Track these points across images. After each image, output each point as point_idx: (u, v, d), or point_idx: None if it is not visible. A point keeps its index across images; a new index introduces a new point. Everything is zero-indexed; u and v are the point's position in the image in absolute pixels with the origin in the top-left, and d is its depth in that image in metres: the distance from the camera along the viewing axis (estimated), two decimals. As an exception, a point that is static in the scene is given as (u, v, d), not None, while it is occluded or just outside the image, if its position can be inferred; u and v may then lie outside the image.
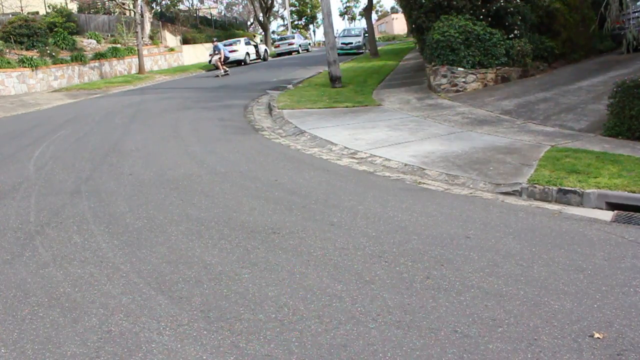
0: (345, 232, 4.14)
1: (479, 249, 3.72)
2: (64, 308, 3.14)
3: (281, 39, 38.90)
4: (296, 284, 3.30)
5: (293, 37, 38.42)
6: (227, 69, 21.10)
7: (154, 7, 32.30)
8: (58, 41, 21.67)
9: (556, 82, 10.71)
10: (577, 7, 12.76)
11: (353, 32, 31.53)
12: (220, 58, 21.05)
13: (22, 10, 24.41)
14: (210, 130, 9.15)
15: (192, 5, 40.03)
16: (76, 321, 2.98)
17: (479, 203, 4.83)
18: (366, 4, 24.49)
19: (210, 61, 22.91)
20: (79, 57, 21.66)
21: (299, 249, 3.85)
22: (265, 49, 31.00)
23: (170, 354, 2.63)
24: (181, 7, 36.54)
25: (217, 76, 20.19)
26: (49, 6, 25.07)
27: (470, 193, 5.16)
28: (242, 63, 26.69)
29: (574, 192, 4.82)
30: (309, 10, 63.35)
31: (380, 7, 74.15)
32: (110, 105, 14.06)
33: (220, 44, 22.17)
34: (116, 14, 28.80)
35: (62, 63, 20.82)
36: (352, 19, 71.47)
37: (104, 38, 25.69)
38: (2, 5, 25.33)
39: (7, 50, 19.56)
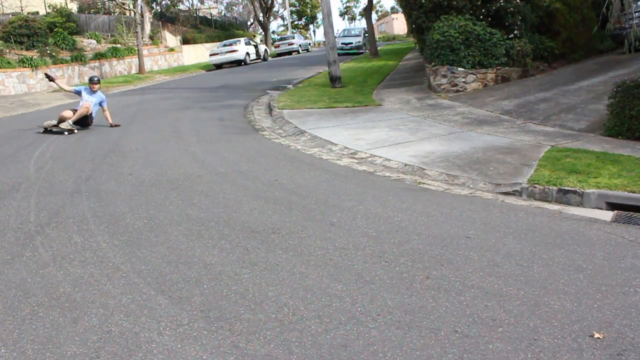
0: (345, 232, 4.14)
1: (479, 249, 3.72)
2: (64, 308, 3.13)
3: (281, 39, 38.90)
4: (296, 284, 3.30)
5: (293, 37, 38.41)
6: (76, 127, 9.61)
7: (154, 7, 32.33)
8: (58, 41, 21.66)
9: (556, 82, 10.71)
10: (577, 7, 12.76)
11: (353, 32, 31.54)
12: (83, 109, 9.81)
13: (22, 10, 24.40)
14: (211, 130, 9.15)
15: (192, 5, 40.06)
16: (76, 321, 2.98)
17: (479, 203, 4.83)
18: (366, 4, 24.49)
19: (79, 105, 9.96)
20: (79, 57, 21.65)
21: (299, 249, 3.85)
22: (265, 49, 31.00)
23: (170, 354, 2.63)
24: (181, 7, 36.59)
25: (52, 126, 9.57)
26: (49, 6, 25.08)
27: (470, 193, 5.16)
28: (242, 63, 26.71)
29: (574, 192, 4.82)
30: (309, 10, 63.40)
31: (380, 7, 74.27)
32: (109, 105, 14.03)
33: (100, 92, 10.50)
34: (116, 14, 28.80)
35: (62, 63, 20.81)
36: (352, 19, 71.56)
37: (104, 38, 25.68)
38: (2, 5, 25.32)
39: (7, 50, 19.55)
